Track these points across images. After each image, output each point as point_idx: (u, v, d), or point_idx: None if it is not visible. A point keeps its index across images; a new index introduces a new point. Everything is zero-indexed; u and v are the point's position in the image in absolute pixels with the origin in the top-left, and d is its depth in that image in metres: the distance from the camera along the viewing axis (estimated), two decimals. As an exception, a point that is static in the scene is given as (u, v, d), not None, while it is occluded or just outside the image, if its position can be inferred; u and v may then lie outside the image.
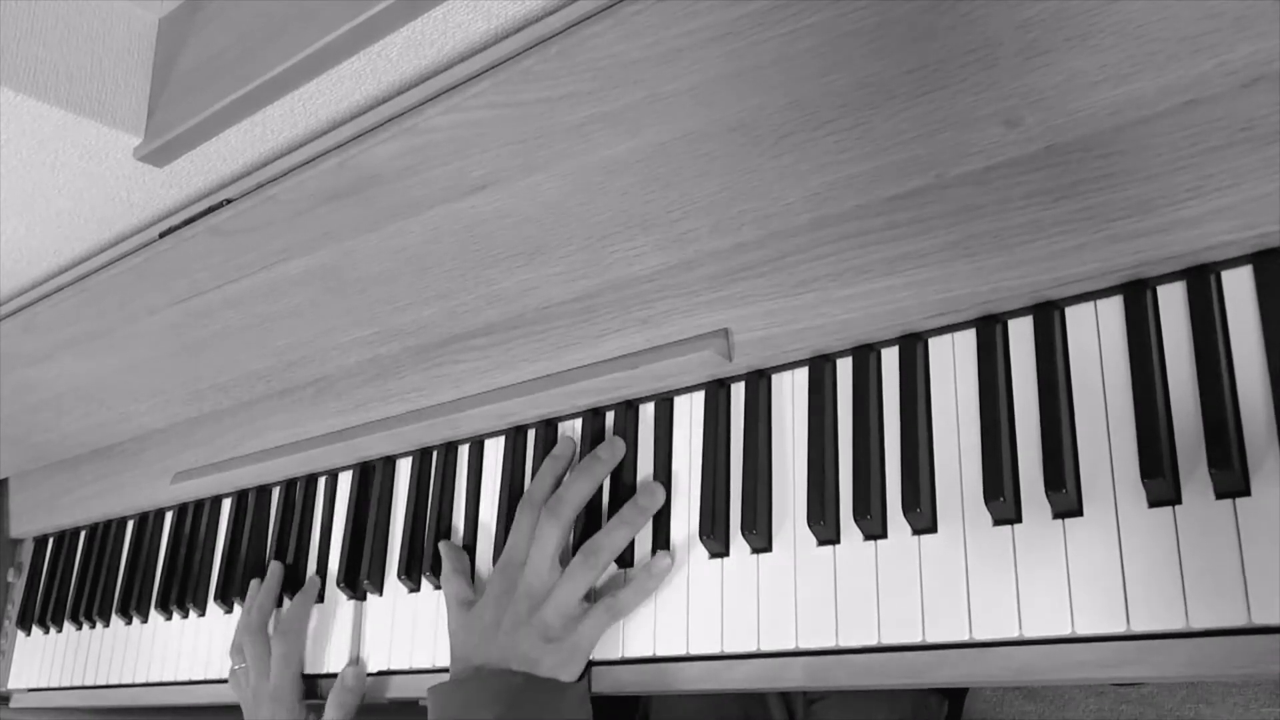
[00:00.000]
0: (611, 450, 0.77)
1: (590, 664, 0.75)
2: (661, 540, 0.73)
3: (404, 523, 0.91)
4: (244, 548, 1.05)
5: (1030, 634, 0.56)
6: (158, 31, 0.91)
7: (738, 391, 0.73)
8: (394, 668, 0.88)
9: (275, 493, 1.05)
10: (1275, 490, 0.51)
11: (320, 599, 0.96)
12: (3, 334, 1.17)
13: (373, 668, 0.89)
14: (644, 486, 0.76)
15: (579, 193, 0.74)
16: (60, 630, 1.26)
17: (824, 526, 0.65)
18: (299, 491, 1.02)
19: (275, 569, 1.00)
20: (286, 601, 0.98)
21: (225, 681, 1.01)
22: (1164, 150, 0.56)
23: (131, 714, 1.10)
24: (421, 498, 0.91)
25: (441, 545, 0.85)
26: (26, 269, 1.12)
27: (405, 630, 0.88)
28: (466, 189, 0.78)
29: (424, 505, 0.90)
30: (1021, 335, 0.62)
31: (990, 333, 0.63)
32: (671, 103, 0.68)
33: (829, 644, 0.63)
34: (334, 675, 0.90)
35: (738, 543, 0.70)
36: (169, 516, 1.17)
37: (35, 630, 1.29)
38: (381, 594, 0.91)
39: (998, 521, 0.59)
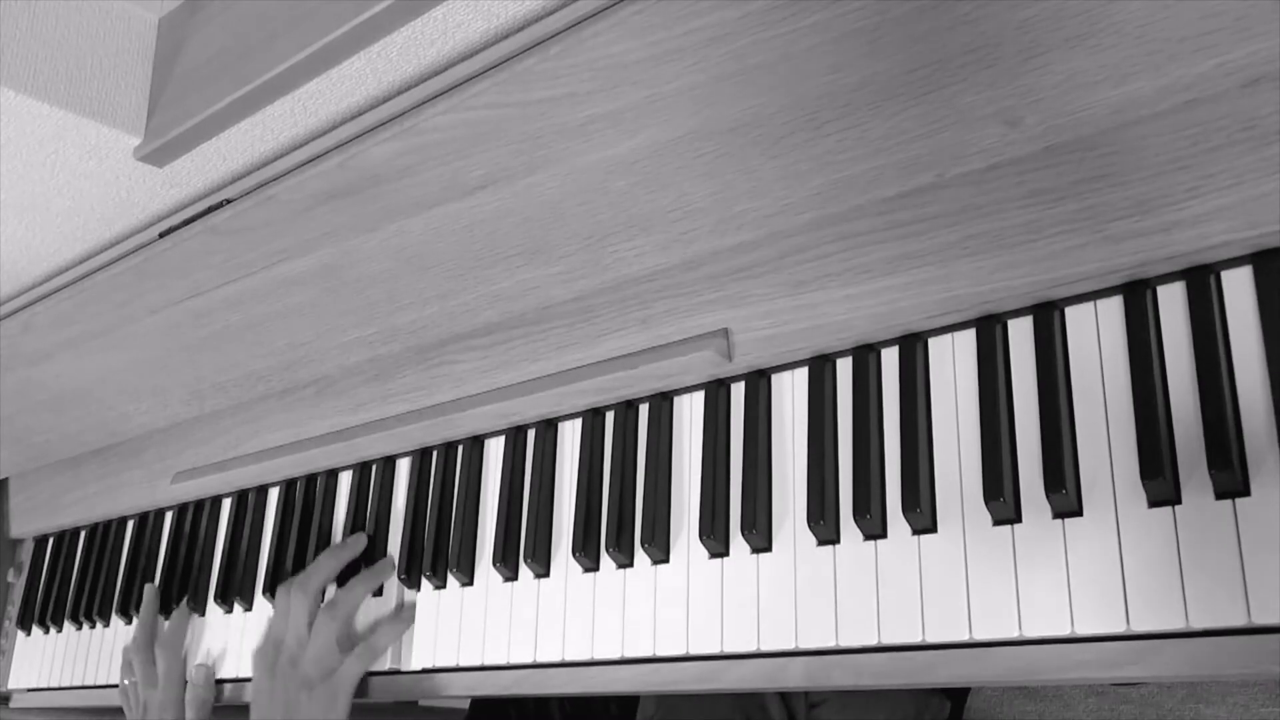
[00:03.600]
0: (355, 542, 0.93)
1: (368, 675, 0.87)
2: (661, 541, 0.73)
3: (404, 523, 0.91)
4: (244, 548, 1.05)
5: (1030, 634, 0.56)
6: (158, 31, 0.91)
7: (738, 391, 0.73)
8: (395, 668, 0.88)
9: (275, 493, 1.05)
10: (1275, 490, 0.51)
11: (232, 608, 1.02)
12: (3, 334, 1.16)
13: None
14: (384, 561, 0.91)
15: (579, 193, 0.74)
16: (60, 630, 1.26)
17: (824, 526, 0.65)
18: (299, 491, 1.02)
19: (150, 592, 1.11)
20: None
21: (227, 681, 1.02)
22: (1164, 150, 0.56)
23: (131, 714, 1.11)
24: (421, 498, 0.91)
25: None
26: (26, 269, 1.12)
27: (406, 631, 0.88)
28: (466, 189, 0.78)
29: (424, 505, 0.90)
30: (1021, 335, 0.62)
31: (990, 333, 0.63)
32: (671, 103, 0.68)
33: (829, 644, 0.63)
34: (374, 673, 0.91)
35: (738, 543, 0.70)
36: (169, 516, 1.17)
37: (35, 630, 1.29)
38: (380, 594, 0.91)
39: (998, 521, 0.59)
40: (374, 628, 0.88)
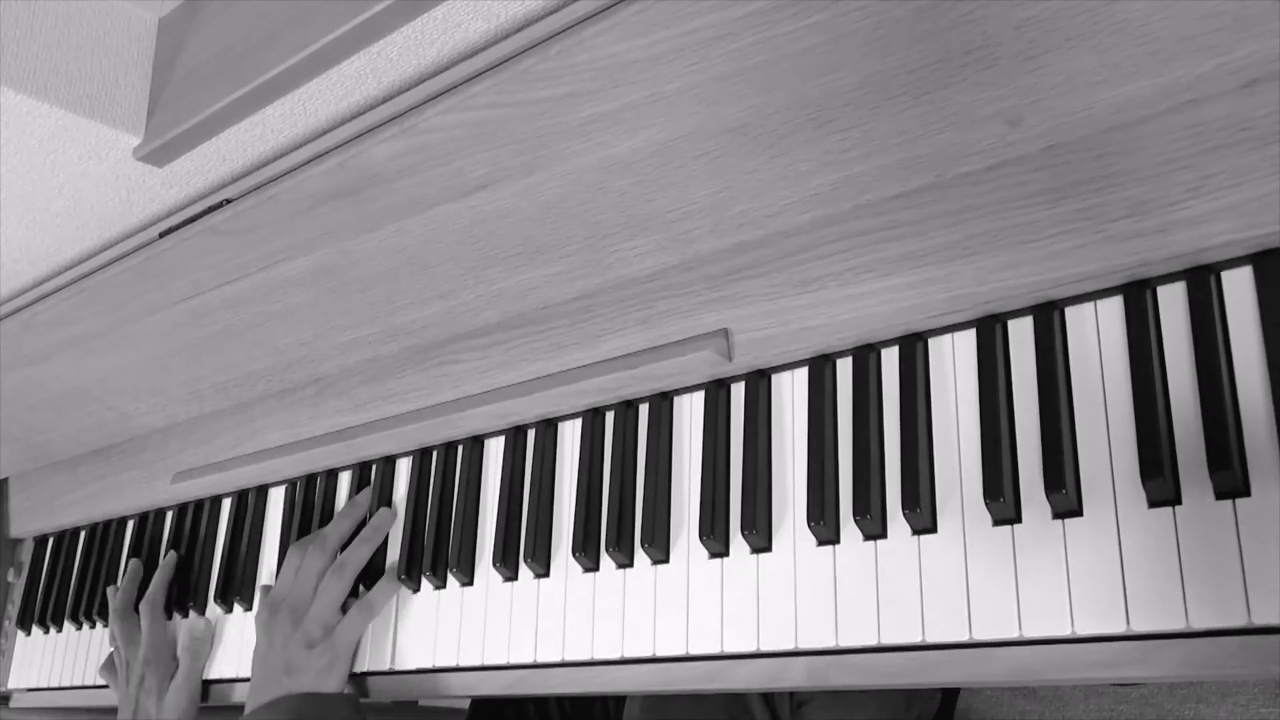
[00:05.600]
0: (365, 495, 0.93)
1: (367, 674, 0.87)
2: (661, 542, 0.73)
3: (403, 523, 0.91)
4: (244, 548, 1.05)
5: (1030, 634, 0.56)
6: (158, 31, 0.91)
7: (738, 391, 0.73)
8: (394, 668, 0.88)
9: (275, 492, 1.05)
10: (1275, 490, 0.51)
11: (232, 608, 1.03)
12: (3, 334, 1.16)
13: (368, 667, 0.89)
14: (379, 513, 0.91)
15: (579, 193, 0.74)
16: (60, 630, 1.26)
17: (824, 526, 0.65)
18: (299, 491, 1.02)
19: (134, 565, 1.13)
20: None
21: (227, 681, 1.02)
22: (1164, 150, 0.56)
23: (131, 714, 1.11)
24: (421, 498, 0.91)
25: (260, 590, 0.98)
26: (26, 269, 1.12)
27: (405, 631, 0.88)
28: (466, 189, 0.78)
29: (424, 505, 0.90)
30: (1021, 335, 0.62)
31: (990, 333, 0.63)
32: (671, 103, 0.68)
33: (829, 644, 0.63)
34: (373, 673, 0.91)
35: (737, 543, 0.70)
36: (169, 516, 1.17)
37: (35, 630, 1.29)
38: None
39: (998, 521, 0.59)
40: (370, 590, 0.88)
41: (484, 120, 0.74)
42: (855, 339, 0.67)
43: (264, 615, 0.90)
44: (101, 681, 1.16)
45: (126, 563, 1.20)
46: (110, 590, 1.13)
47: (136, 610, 1.09)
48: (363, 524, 0.93)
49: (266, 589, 0.96)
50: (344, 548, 0.92)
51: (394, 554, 0.91)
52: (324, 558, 0.90)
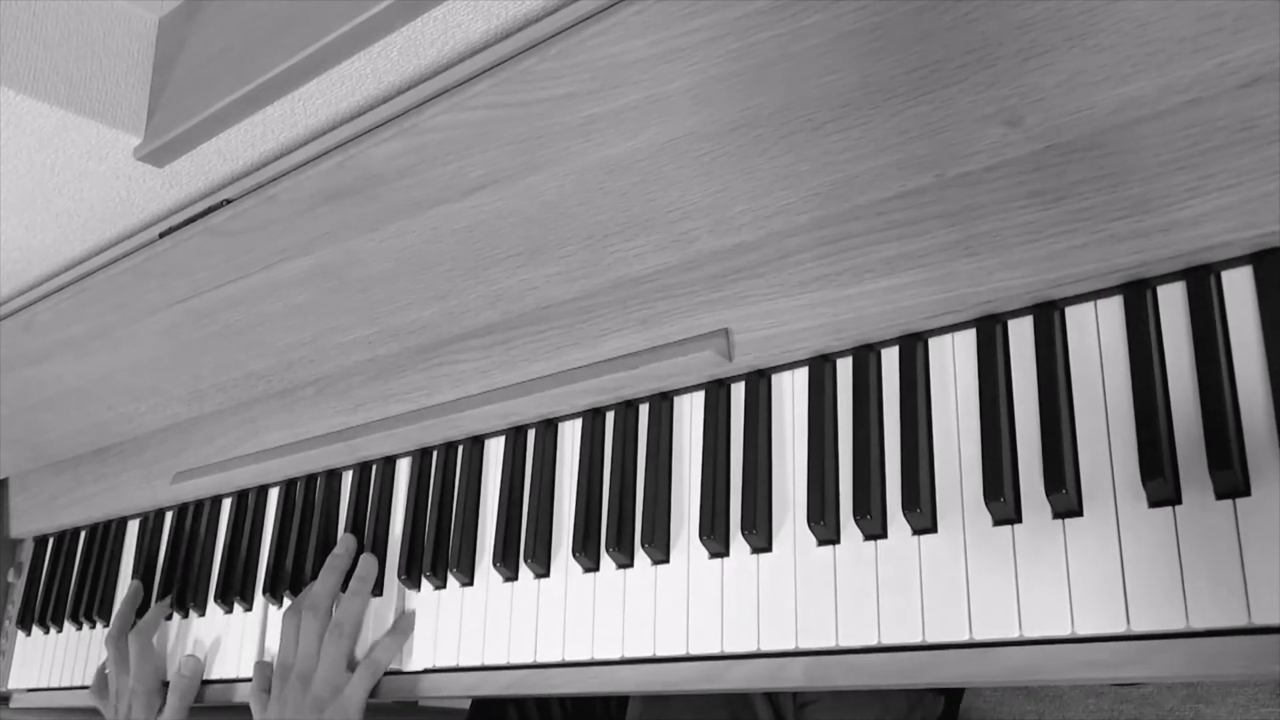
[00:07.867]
0: (345, 546, 0.93)
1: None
2: (661, 542, 0.73)
3: (404, 523, 0.91)
4: (244, 548, 1.05)
5: (1030, 634, 0.56)
6: (158, 31, 0.91)
7: (738, 391, 0.73)
8: (395, 668, 0.88)
9: (275, 493, 1.05)
10: (1275, 490, 0.51)
11: (232, 608, 1.03)
12: (3, 334, 1.17)
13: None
14: (362, 561, 0.91)
15: (579, 193, 0.74)
16: (60, 630, 1.26)
17: (824, 526, 0.65)
18: (299, 491, 1.02)
19: (133, 587, 1.14)
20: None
21: (226, 681, 1.02)
22: (1164, 150, 0.56)
23: (131, 714, 1.11)
24: (421, 498, 0.91)
25: (256, 666, 0.96)
26: (26, 269, 1.12)
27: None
28: (466, 189, 0.78)
29: (424, 505, 0.90)
30: (1021, 335, 0.62)
31: (990, 333, 0.63)
32: (671, 103, 0.68)
33: (829, 644, 0.63)
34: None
35: (738, 543, 0.70)
36: (169, 516, 1.17)
37: (35, 630, 1.29)
38: (381, 594, 0.91)
39: (998, 521, 0.59)
40: (373, 646, 0.88)
41: (484, 120, 0.74)
42: (855, 339, 0.67)
43: (276, 679, 0.90)
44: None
45: (128, 563, 1.20)
46: (133, 583, 1.14)
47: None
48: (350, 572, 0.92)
49: (263, 665, 0.95)
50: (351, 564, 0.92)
51: (394, 555, 0.91)
52: (320, 618, 0.89)
